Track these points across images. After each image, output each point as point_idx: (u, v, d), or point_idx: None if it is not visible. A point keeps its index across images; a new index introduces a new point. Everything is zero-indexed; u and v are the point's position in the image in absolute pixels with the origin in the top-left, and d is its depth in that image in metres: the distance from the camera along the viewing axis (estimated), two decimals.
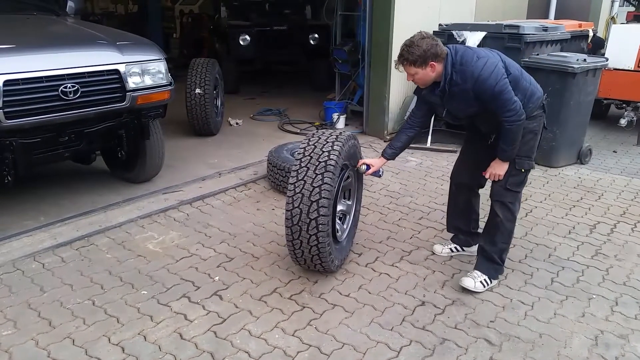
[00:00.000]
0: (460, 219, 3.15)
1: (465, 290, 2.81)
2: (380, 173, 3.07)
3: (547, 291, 2.86)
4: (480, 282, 2.81)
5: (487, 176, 2.79)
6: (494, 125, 2.65)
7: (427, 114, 2.94)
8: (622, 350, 2.39)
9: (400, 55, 2.59)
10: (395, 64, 2.64)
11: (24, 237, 3.27)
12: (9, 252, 3.10)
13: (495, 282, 2.88)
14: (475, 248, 3.06)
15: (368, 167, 2.98)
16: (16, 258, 3.05)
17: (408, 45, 2.55)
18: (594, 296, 2.82)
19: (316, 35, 8.25)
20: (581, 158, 5.02)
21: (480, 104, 2.58)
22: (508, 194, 2.78)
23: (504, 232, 2.81)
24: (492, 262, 2.85)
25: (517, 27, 4.96)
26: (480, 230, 3.08)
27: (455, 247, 3.23)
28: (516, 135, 2.59)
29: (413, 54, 2.53)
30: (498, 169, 2.73)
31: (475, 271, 2.87)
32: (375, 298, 2.76)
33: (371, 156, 4.03)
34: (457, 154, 3.13)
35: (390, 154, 2.98)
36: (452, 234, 3.26)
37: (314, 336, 2.44)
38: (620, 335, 2.49)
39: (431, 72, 2.57)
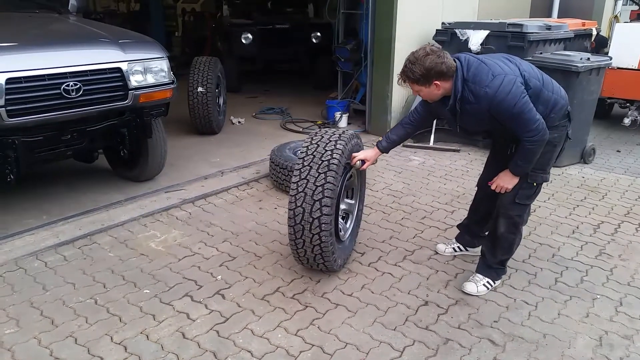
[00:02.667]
0: (476, 224, 3.11)
1: None
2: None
3: (551, 291, 2.85)
4: (483, 284, 2.80)
5: (493, 187, 2.65)
6: (512, 137, 2.51)
7: (431, 115, 2.81)
8: (626, 351, 2.37)
9: (403, 72, 2.44)
10: (398, 80, 2.49)
11: (26, 235, 3.28)
12: (12, 251, 3.10)
13: (498, 282, 2.86)
14: (479, 249, 3.03)
15: (363, 162, 2.86)
16: (19, 256, 3.05)
17: (411, 62, 2.38)
18: (598, 296, 2.81)
19: (318, 34, 8.24)
20: (585, 157, 5.00)
21: (497, 122, 2.41)
22: (516, 207, 2.64)
23: (505, 245, 2.75)
24: (492, 268, 2.83)
25: (521, 25, 4.93)
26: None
27: (459, 247, 3.21)
28: (535, 155, 2.43)
29: (415, 73, 2.36)
30: (506, 181, 2.58)
31: (477, 274, 2.85)
32: (378, 298, 2.75)
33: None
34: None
35: (385, 147, 2.86)
36: (458, 232, 3.24)
37: (317, 336, 2.43)
38: (624, 336, 2.48)
39: (436, 90, 2.41)
